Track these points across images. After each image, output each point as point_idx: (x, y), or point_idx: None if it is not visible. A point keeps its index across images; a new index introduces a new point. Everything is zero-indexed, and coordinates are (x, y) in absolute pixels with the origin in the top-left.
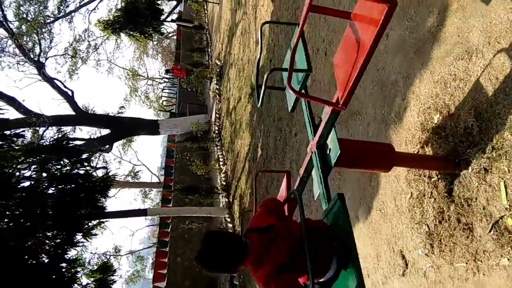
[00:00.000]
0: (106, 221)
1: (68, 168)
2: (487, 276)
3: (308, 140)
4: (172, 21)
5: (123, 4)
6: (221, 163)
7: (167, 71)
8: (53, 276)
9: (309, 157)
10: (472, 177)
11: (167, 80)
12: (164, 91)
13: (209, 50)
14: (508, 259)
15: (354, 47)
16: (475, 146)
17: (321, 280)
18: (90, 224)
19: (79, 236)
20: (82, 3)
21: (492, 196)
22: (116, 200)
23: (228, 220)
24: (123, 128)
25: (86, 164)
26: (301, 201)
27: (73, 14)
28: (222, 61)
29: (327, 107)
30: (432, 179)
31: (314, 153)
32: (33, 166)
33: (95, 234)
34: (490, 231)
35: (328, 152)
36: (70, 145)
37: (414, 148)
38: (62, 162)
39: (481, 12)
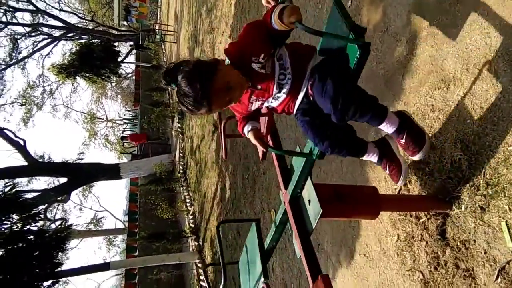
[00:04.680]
0: (65, 280)
1: (19, 225)
2: None
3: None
4: (135, 48)
5: (77, 47)
6: (188, 204)
7: (122, 138)
8: None
9: (283, 210)
10: (467, 217)
11: (127, 121)
12: (125, 132)
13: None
14: None
15: None
16: (466, 183)
17: None
18: (45, 284)
19: None
20: (35, 49)
21: (493, 238)
22: (78, 251)
23: (199, 265)
24: (82, 175)
25: (39, 218)
26: None
27: (26, 60)
28: None
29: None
30: (421, 220)
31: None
32: None
33: None
34: (496, 278)
35: (307, 205)
36: (22, 198)
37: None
38: (11, 219)
39: (455, 38)
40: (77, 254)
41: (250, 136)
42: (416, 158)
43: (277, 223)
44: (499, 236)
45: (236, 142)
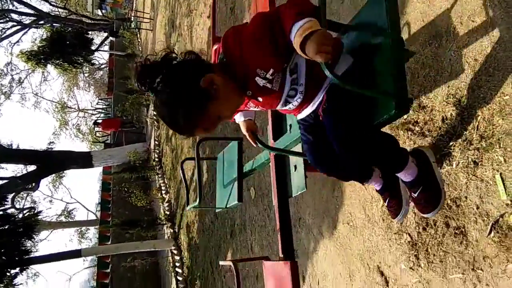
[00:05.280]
0: (33, 267)
1: None
2: (491, 286)
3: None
4: (109, 35)
5: (48, 34)
6: (163, 191)
7: (95, 123)
8: None
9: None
10: (458, 173)
11: (100, 110)
12: (97, 121)
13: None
14: None
15: None
16: (458, 138)
17: None
18: (12, 272)
19: None
20: (3, 36)
21: (486, 192)
22: (48, 243)
23: (175, 252)
24: (52, 162)
25: (5, 203)
26: None
27: None
28: None
29: None
30: None
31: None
32: None
33: (18, 284)
34: (489, 233)
35: (292, 169)
36: None
37: None
38: None
39: None
40: (48, 246)
41: (242, 126)
42: (426, 216)
43: (257, 164)
44: (492, 190)
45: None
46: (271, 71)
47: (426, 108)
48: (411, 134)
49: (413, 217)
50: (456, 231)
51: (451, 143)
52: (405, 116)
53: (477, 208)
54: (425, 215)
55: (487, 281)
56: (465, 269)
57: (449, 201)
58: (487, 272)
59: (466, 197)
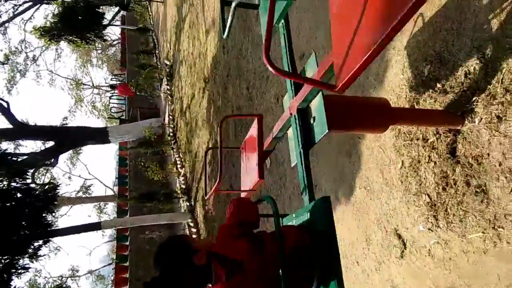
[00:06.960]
0: (52, 240)
1: (5, 183)
2: None
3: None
4: (121, 9)
5: (59, 9)
6: (178, 166)
7: (112, 87)
8: None
9: (286, 118)
10: (481, 130)
11: (115, 86)
12: (112, 97)
13: (157, 51)
14: None
15: None
16: (482, 93)
17: None
18: (35, 244)
19: (25, 260)
20: (16, 13)
21: (509, 148)
22: (68, 219)
23: (192, 224)
24: (69, 138)
25: (26, 176)
26: (278, 221)
27: (6, 25)
28: (172, 60)
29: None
30: (429, 141)
31: (294, 117)
32: None
33: (42, 256)
34: None
35: (311, 122)
36: (8, 157)
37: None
38: None
39: None
40: (67, 222)
41: None
42: None
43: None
44: None
45: (228, 94)
46: None
47: (448, 64)
48: (432, 92)
49: (433, 177)
50: (477, 190)
51: (473, 99)
52: (425, 73)
53: (500, 165)
54: None
55: (508, 239)
56: (485, 228)
57: (470, 160)
58: (509, 230)
59: (488, 154)
